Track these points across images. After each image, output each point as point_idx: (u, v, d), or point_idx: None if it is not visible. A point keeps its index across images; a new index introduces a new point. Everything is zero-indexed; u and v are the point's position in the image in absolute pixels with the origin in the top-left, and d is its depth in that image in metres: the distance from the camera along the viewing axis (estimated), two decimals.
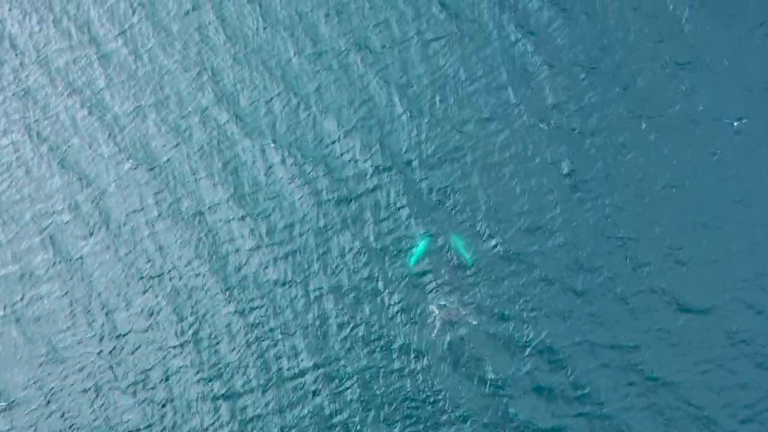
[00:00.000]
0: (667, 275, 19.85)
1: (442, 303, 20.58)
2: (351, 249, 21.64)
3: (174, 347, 21.82)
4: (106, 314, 22.49)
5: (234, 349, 21.50)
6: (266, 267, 22.02)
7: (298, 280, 21.69)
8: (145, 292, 22.54)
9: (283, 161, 22.91)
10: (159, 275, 22.60)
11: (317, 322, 21.18)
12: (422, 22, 23.51)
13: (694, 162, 20.70)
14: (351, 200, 22.12)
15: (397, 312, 20.77)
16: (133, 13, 25.66)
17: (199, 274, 22.39)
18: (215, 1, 25.18)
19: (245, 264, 22.19)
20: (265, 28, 24.53)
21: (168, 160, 23.77)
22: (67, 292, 22.94)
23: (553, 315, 20.00)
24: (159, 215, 23.17)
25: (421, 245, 21.11)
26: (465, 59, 22.88)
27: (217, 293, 22.07)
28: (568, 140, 21.43)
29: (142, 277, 22.68)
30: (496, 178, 21.47)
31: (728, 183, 20.38)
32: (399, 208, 21.71)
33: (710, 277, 19.70)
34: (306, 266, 21.75)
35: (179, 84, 24.49)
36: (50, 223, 23.82)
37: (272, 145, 23.18)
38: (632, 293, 19.86)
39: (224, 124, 23.75)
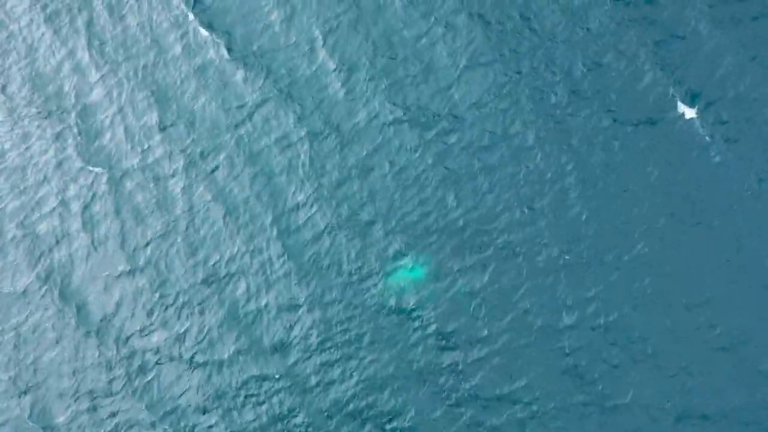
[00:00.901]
0: (674, 379, 19.28)
1: (437, 402, 20.36)
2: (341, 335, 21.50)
3: None
4: None
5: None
6: (261, 374, 21.93)
7: (282, 372, 21.65)
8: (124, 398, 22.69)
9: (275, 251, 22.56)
10: (145, 380, 22.65)
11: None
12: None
13: (712, 271, 19.64)
14: (345, 284, 21.80)
15: (394, 416, 20.60)
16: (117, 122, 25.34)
17: (185, 363, 22.48)
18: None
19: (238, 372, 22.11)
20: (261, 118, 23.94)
21: (150, 255, 23.76)
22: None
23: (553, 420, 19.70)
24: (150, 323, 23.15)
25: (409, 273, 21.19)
26: (467, 163, 21.98)
27: (199, 379, 22.17)
28: (570, 233, 20.69)
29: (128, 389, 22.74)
30: (499, 274, 20.86)
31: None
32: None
33: (726, 380, 19.01)
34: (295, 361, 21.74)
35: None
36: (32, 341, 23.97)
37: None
38: (640, 405, 19.32)
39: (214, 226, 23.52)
